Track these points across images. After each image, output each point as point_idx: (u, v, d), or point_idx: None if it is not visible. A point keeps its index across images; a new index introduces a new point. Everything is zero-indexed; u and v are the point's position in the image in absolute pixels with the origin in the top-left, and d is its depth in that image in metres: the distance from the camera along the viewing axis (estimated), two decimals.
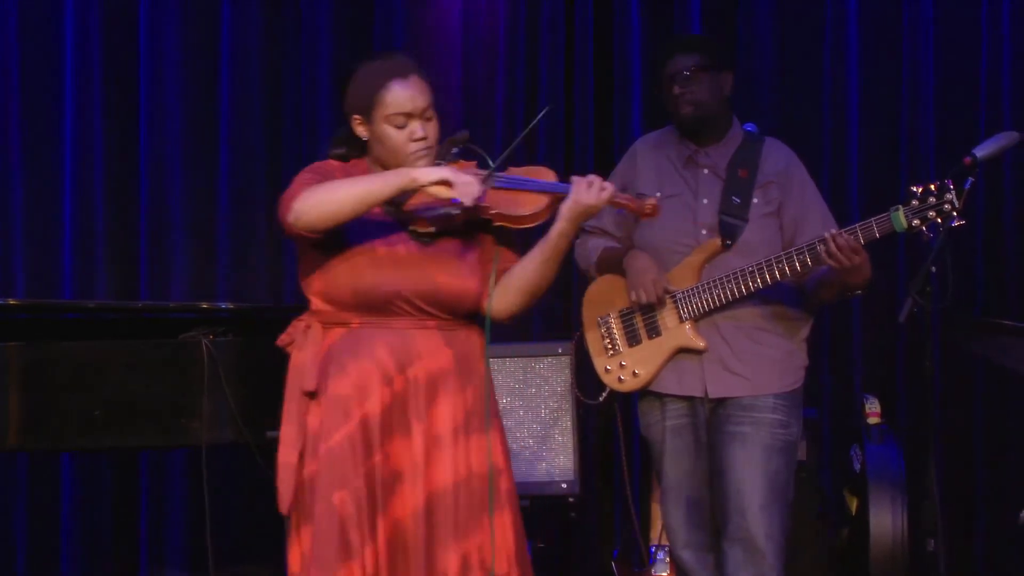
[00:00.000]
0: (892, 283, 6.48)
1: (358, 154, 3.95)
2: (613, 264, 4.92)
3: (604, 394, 4.99)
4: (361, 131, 3.89)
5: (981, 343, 5.49)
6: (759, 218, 4.81)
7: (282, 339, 3.94)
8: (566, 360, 5.77)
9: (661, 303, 4.80)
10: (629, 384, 4.89)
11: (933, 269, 4.42)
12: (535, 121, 3.93)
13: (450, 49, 6.74)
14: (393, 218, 3.87)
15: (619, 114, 6.73)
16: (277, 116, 6.74)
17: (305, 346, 3.86)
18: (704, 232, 4.81)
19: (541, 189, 3.85)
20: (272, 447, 5.06)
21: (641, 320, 4.85)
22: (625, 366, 4.88)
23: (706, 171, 4.88)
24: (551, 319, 6.52)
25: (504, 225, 3.86)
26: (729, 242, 4.78)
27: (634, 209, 3.94)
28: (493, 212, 3.82)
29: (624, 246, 4.94)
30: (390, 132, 3.84)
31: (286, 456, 3.83)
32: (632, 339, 4.87)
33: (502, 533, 3.85)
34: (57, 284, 6.55)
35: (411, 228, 3.85)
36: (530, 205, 3.83)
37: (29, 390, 4.86)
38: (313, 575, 3.75)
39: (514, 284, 3.89)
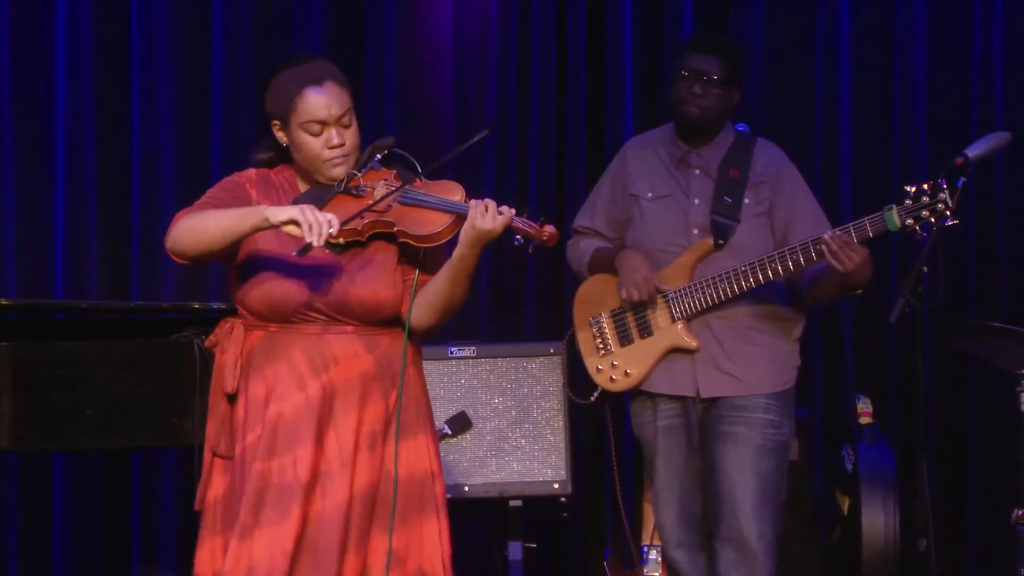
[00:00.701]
0: (883, 283, 6.48)
1: (287, 159, 3.93)
2: (605, 264, 4.92)
3: (596, 394, 4.99)
4: (280, 136, 3.88)
5: (972, 343, 5.50)
6: (751, 218, 4.81)
7: (208, 340, 3.96)
8: (558, 360, 5.77)
9: (652, 301, 4.80)
10: (621, 384, 4.89)
11: (924, 269, 4.43)
12: (470, 142, 3.88)
13: (441, 49, 6.74)
14: None
15: (611, 114, 6.73)
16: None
17: (227, 348, 3.86)
18: (696, 232, 4.82)
19: (443, 208, 3.77)
20: None
21: (633, 320, 4.86)
22: (617, 366, 4.88)
23: (698, 171, 4.88)
24: (543, 319, 6.52)
25: (406, 242, 3.80)
26: (721, 242, 4.78)
27: (532, 235, 3.81)
28: (396, 229, 3.78)
29: (616, 246, 4.95)
30: (306, 139, 3.82)
31: (206, 454, 3.86)
32: (624, 339, 4.87)
33: (439, 538, 3.83)
34: (49, 284, 6.53)
35: None
36: (431, 224, 3.76)
37: (21, 390, 4.85)
38: (204, 548, 3.80)
39: (428, 300, 3.84)
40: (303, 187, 3.91)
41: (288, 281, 3.77)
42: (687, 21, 6.67)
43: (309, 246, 3.64)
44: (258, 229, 3.72)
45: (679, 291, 4.78)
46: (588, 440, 6.48)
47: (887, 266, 6.50)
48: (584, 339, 4.96)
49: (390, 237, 3.81)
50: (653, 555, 5.64)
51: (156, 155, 6.63)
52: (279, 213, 3.65)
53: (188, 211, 3.85)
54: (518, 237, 3.78)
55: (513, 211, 3.75)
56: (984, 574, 6.49)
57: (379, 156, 3.87)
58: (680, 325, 4.80)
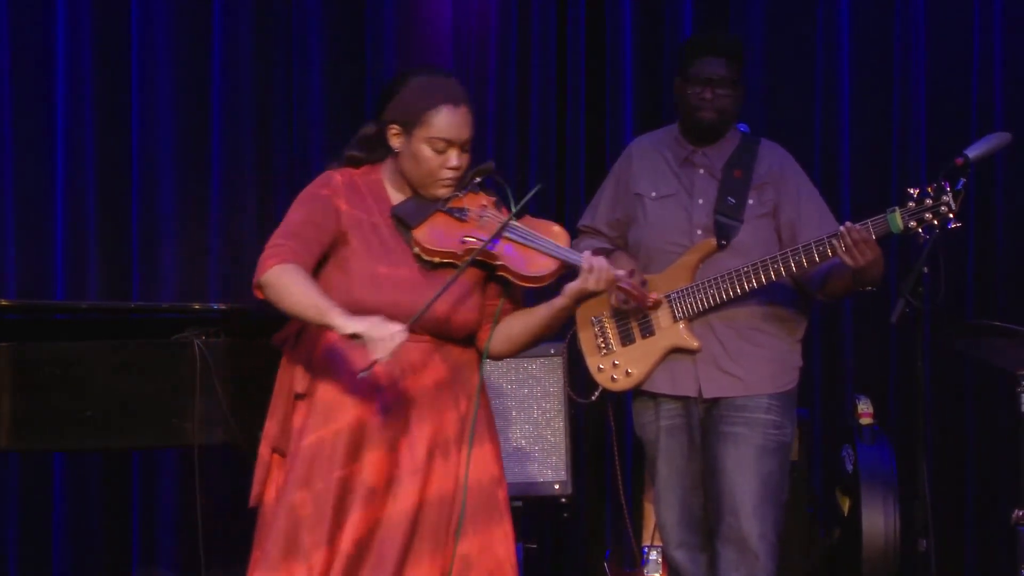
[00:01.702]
0: (884, 284, 6.48)
1: (378, 157, 3.92)
2: None
3: (597, 393, 4.98)
4: (395, 142, 3.84)
5: (972, 343, 5.50)
6: (754, 219, 4.81)
7: (277, 337, 3.93)
8: (558, 361, 5.77)
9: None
10: (622, 383, 4.89)
11: (925, 270, 4.43)
12: (529, 195, 3.87)
13: (441, 51, 6.74)
14: (403, 237, 3.85)
15: (611, 115, 6.73)
16: (268, 115, 6.73)
17: (298, 347, 3.85)
18: (699, 232, 4.82)
19: (552, 254, 3.82)
20: None
21: (634, 319, 4.85)
22: (618, 365, 4.88)
23: (702, 171, 4.88)
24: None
25: (506, 277, 3.84)
26: (724, 242, 4.78)
27: (637, 299, 3.93)
28: (499, 263, 3.81)
29: (615, 246, 4.94)
30: (427, 154, 3.81)
31: (264, 451, 3.84)
32: (625, 338, 4.87)
33: (505, 542, 3.84)
34: (49, 284, 6.54)
35: (416, 251, 3.83)
36: (538, 267, 3.81)
37: (21, 391, 4.85)
38: (258, 569, 3.75)
39: (511, 336, 3.88)
40: (392, 193, 3.89)
41: (375, 290, 3.76)
42: (687, 21, 6.67)
43: (374, 363, 3.63)
44: (322, 326, 3.71)
45: (681, 291, 4.78)
46: (589, 441, 6.48)
47: (887, 267, 6.46)
48: (586, 338, 4.96)
49: (486, 267, 3.84)
50: (653, 555, 5.65)
51: (156, 155, 6.62)
52: (347, 325, 3.62)
53: (277, 254, 3.76)
54: (624, 299, 3.91)
55: (621, 273, 3.84)
56: (984, 574, 6.49)
57: (478, 180, 3.88)
58: (682, 325, 4.79)
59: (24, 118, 6.57)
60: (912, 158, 6.58)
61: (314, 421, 3.77)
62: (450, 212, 3.85)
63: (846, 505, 5.89)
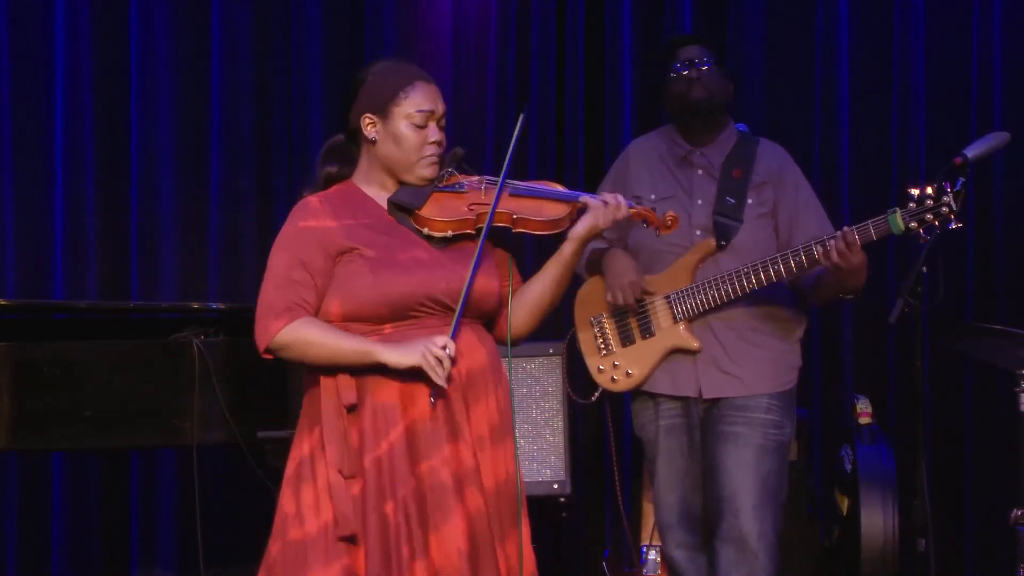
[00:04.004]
0: (883, 284, 6.49)
1: (349, 172, 3.87)
2: (599, 264, 4.93)
3: (597, 393, 4.98)
4: (372, 131, 3.80)
5: (971, 343, 5.50)
6: (753, 219, 4.81)
7: None
8: (557, 361, 5.76)
9: (638, 306, 4.80)
10: (622, 384, 4.89)
11: (924, 270, 4.43)
12: (518, 129, 3.87)
13: (441, 52, 6.74)
14: (401, 222, 3.81)
15: (610, 116, 6.73)
16: (267, 115, 6.73)
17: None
18: (698, 233, 4.82)
19: (559, 198, 3.84)
20: (263, 447, 5.09)
21: (634, 320, 4.85)
22: (618, 366, 4.88)
23: (700, 172, 4.88)
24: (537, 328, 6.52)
25: (523, 231, 3.82)
26: (723, 243, 4.78)
27: (653, 220, 3.90)
28: (515, 218, 3.79)
29: (611, 247, 4.94)
30: (408, 132, 3.78)
31: (336, 478, 3.69)
32: (625, 339, 4.87)
33: (528, 542, 3.82)
34: (48, 284, 6.54)
35: (425, 232, 3.81)
36: (552, 212, 3.81)
37: (20, 390, 4.85)
38: None
39: (528, 304, 3.87)
40: (375, 195, 3.84)
41: (405, 276, 3.71)
42: (686, 21, 6.67)
43: (442, 390, 3.65)
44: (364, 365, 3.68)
45: (681, 292, 4.78)
46: (588, 441, 6.48)
47: (886, 267, 6.51)
48: (585, 339, 4.96)
49: (501, 231, 3.81)
50: (652, 555, 5.64)
51: (155, 155, 6.63)
52: (400, 359, 3.63)
53: (280, 315, 3.70)
54: (644, 222, 3.89)
55: (626, 202, 3.83)
56: (983, 574, 6.48)
57: (454, 164, 3.87)
58: (682, 326, 4.80)
59: (23, 118, 6.57)
60: (911, 158, 6.58)
61: (377, 430, 3.69)
62: (447, 189, 3.84)
63: (845, 505, 5.89)
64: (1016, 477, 5.09)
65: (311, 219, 3.76)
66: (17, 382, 4.85)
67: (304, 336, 3.68)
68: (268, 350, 3.73)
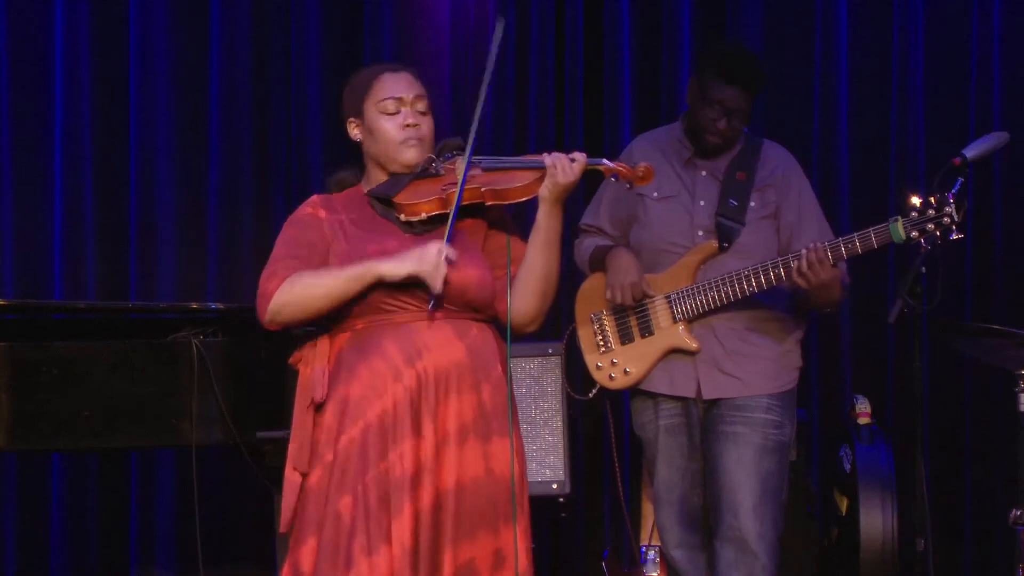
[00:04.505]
0: (881, 284, 6.49)
1: (353, 180, 3.93)
2: (602, 262, 4.92)
3: (594, 390, 4.98)
4: (356, 132, 3.88)
5: (970, 343, 5.50)
6: (755, 221, 4.81)
7: (293, 357, 3.88)
8: (556, 360, 5.76)
9: (637, 306, 4.80)
10: (620, 382, 4.89)
11: (923, 270, 4.42)
12: (494, 48, 3.81)
13: (439, 52, 6.74)
14: (385, 216, 3.84)
15: (609, 114, 6.73)
16: (266, 114, 6.72)
17: (313, 360, 3.82)
18: (700, 234, 4.81)
19: (523, 166, 3.84)
20: (261, 447, 5.09)
21: (634, 318, 4.85)
22: (617, 364, 4.88)
23: (704, 173, 4.88)
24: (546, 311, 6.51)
25: (496, 203, 3.81)
26: (726, 244, 4.78)
27: (628, 174, 3.88)
28: (484, 190, 3.78)
29: (614, 244, 4.94)
30: (381, 122, 3.83)
31: (289, 474, 3.78)
32: (625, 337, 4.87)
33: (524, 541, 3.80)
34: (46, 284, 6.53)
35: (403, 218, 3.82)
36: (520, 178, 3.80)
37: (18, 391, 4.84)
38: None
39: (525, 283, 3.84)
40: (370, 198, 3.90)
41: None
42: (685, 23, 6.67)
43: (439, 298, 3.68)
44: (367, 286, 3.71)
45: (681, 292, 4.78)
46: (587, 440, 6.48)
47: (885, 267, 6.51)
48: (585, 336, 4.96)
49: (476, 209, 3.82)
50: (652, 555, 5.65)
51: (153, 155, 6.62)
52: (397, 268, 3.67)
53: (275, 276, 3.76)
54: (614, 176, 3.87)
55: (584, 155, 3.81)
56: (982, 574, 6.48)
57: (450, 154, 3.88)
58: (681, 326, 4.79)
59: (22, 117, 6.57)
60: (910, 159, 6.58)
61: (342, 424, 3.72)
62: (423, 175, 3.85)
63: (844, 505, 5.89)
64: (1015, 477, 5.08)
65: (308, 208, 3.88)
66: (15, 382, 4.84)
67: (298, 286, 3.73)
68: (270, 318, 3.75)
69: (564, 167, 3.77)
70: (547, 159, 3.79)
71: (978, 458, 6.51)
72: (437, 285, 3.66)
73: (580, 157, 3.80)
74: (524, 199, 3.82)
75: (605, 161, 3.87)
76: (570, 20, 6.74)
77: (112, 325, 5.24)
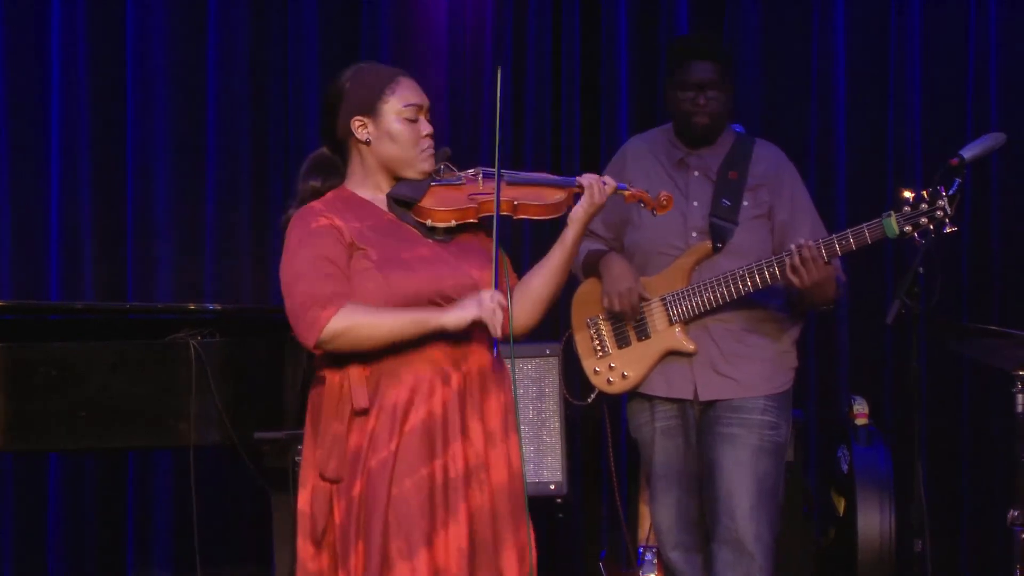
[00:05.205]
0: (879, 285, 6.49)
1: (334, 181, 3.86)
2: (596, 266, 4.92)
3: (593, 395, 4.98)
4: (364, 133, 3.78)
5: (967, 344, 5.50)
6: (749, 220, 4.80)
7: (316, 361, 3.81)
8: (554, 362, 5.76)
9: (635, 312, 4.80)
10: (618, 386, 4.89)
11: (920, 271, 4.43)
12: (499, 88, 3.85)
13: (436, 50, 6.74)
14: (403, 219, 3.81)
15: (606, 116, 6.73)
16: (263, 116, 6.72)
17: (347, 365, 3.73)
18: (694, 235, 4.81)
19: (554, 184, 3.85)
20: (259, 448, 5.09)
21: (630, 322, 4.85)
22: (614, 368, 4.88)
23: (696, 173, 4.87)
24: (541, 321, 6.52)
25: (525, 217, 3.81)
26: (720, 245, 4.78)
27: (650, 202, 3.93)
28: (516, 204, 3.78)
29: (607, 248, 4.94)
30: (401, 128, 3.79)
31: (316, 481, 3.73)
32: (621, 341, 4.87)
33: (534, 536, 3.82)
34: (44, 285, 6.53)
35: (428, 224, 3.80)
36: (551, 196, 3.82)
37: (15, 391, 4.85)
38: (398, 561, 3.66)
39: (531, 294, 3.85)
40: (372, 198, 3.83)
41: (413, 274, 3.72)
42: (682, 22, 6.67)
43: (498, 343, 3.69)
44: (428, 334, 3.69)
45: (677, 294, 4.78)
46: (584, 442, 6.48)
47: (883, 268, 6.51)
48: (582, 340, 4.96)
49: (503, 219, 3.80)
50: (649, 556, 5.64)
51: (151, 155, 6.62)
52: (460, 317, 3.65)
53: (328, 304, 3.66)
54: (640, 203, 3.93)
55: (612, 179, 3.84)
56: (980, 575, 6.49)
57: (443, 163, 3.87)
58: (678, 328, 4.79)
59: (19, 118, 6.57)
60: (907, 158, 6.58)
61: (387, 430, 3.68)
62: (444, 182, 3.84)
63: (841, 505, 5.89)
64: (1012, 478, 5.09)
65: (321, 218, 3.75)
66: (13, 383, 4.85)
67: (357, 320, 3.66)
68: (319, 343, 3.68)
69: (600, 189, 3.80)
70: (584, 180, 3.81)
71: (976, 459, 6.52)
72: (497, 330, 3.65)
73: (610, 180, 3.83)
74: (550, 217, 3.84)
75: (629, 187, 3.90)
76: (567, 24, 6.74)
77: (110, 326, 5.24)
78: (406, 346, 3.69)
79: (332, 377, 3.75)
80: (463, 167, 3.90)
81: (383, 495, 3.65)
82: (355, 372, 3.72)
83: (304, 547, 3.76)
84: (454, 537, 3.66)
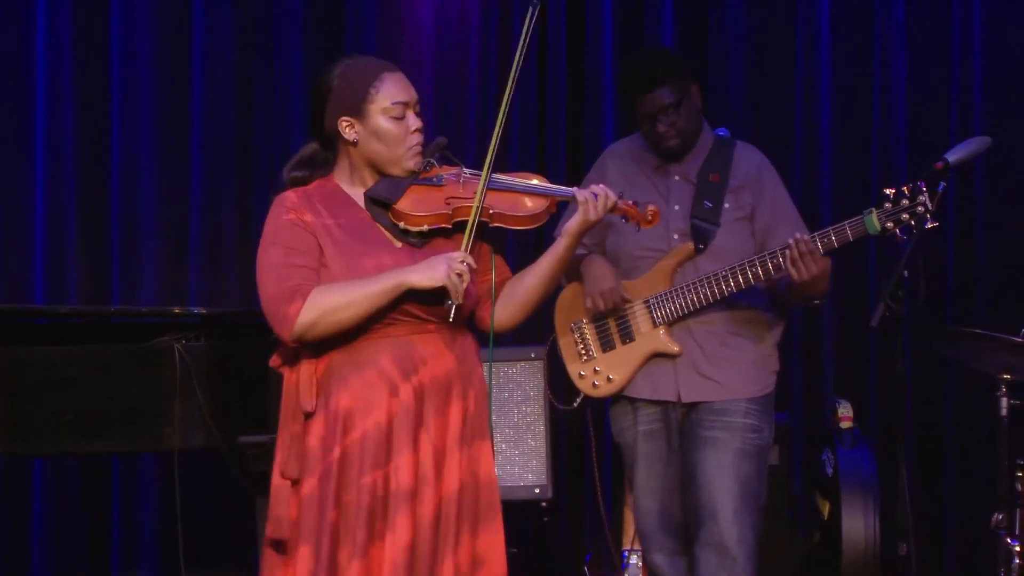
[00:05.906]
0: (863, 288, 6.49)
1: (322, 172, 3.87)
2: (578, 269, 4.92)
3: (579, 399, 4.98)
4: (351, 133, 3.77)
5: (952, 347, 5.51)
6: (731, 223, 4.81)
7: (274, 361, 3.83)
8: (539, 365, 5.76)
9: (618, 311, 4.80)
10: (603, 389, 4.89)
11: (905, 273, 4.43)
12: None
13: (422, 47, 6.73)
14: (378, 219, 3.80)
15: (591, 118, 6.73)
16: (249, 119, 6.72)
17: (299, 366, 3.76)
18: (676, 237, 4.81)
19: (540, 192, 3.82)
20: (244, 452, 5.08)
21: (614, 325, 4.85)
22: (599, 371, 4.88)
23: (677, 177, 4.88)
24: (523, 324, 6.51)
25: (501, 226, 3.80)
26: (701, 246, 4.78)
27: (637, 217, 3.88)
28: (492, 212, 3.77)
29: (588, 252, 4.94)
30: (388, 125, 3.77)
31: (278, 481, 3.74)
32: (606, 344, 4.87)
33: (502, 543, 3.81)
34: (29, 288, 6.52)
35: (402, 226, 3.78)
36: (529, 207, 3.79)
37: (1, 395, 4.84)
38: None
39: (518, 297, 3.85)
40: (355, 193, 3.83)
41: None
42: (667, 24, 6.67)
43: (458, 308, 3.66)
44: (394, 295, 3.68)
45: (659, 296, 4.78)
46: (569, 445, 6.48)
47: (867, 270, 6.52)
48: (566, 345, 4.96)
49: (479, 226, 3.78)
50: (634, 560, 5.64)
51: (136, 159, 6.62)
52: (428, 279, 3.64)
53: (295, 295, 3.68)
54: (623, 217, 3.86)
55: (615, 195, 3.81)
56: None
57: (437, 154, 3.86)
58: (662, 330, 4.79)
59: (3, 121, 6.56)
60: (892, 161, 6.59)
61: (333, 435, 3.69)
62: (425, 182, 3.82)
63: (826, 509, 5.89)
64: (997, 481, 5.09)
65: (292, 212, 3.76)
66: None
67: (325, 304, 3.66)
68: (294, 338, 3.69)
69: (595, 204, 3.78)
70: (579, 194, 3.79)
71: (960, 462, 6.52)
72: (460, 295, 3.64)
73: (611, 194, 3.81)
74: (527, 227, 3.82)
75: (625, 207, 3.87)
76: (553, 28, 6.74)
77: (95, 329, 5.24)
78: (355, 351, 3.69)
79: (289, 376, 3.77)
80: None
81: (330, 500, 3.67)
82: (305, 373, 3.73)
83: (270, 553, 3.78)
84: (390, 549, 3.65)
